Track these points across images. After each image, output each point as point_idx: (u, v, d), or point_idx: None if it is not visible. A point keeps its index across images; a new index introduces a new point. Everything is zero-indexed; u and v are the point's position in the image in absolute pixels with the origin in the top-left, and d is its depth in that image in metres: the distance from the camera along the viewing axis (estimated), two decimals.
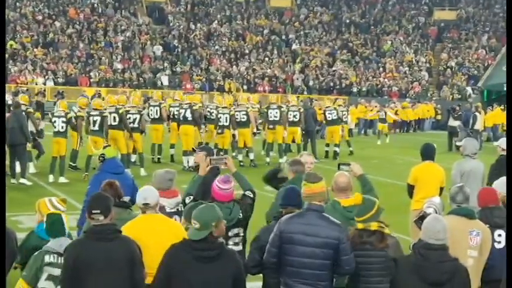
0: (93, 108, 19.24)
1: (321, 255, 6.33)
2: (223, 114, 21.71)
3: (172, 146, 22.40)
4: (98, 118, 18.89)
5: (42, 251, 6.38)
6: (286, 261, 6.42)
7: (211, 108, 23.04)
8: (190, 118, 21.21)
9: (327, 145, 24.96)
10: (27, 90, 38.29)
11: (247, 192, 7.93)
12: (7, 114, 18.12)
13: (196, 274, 5.80)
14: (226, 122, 21.62)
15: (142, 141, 20.55)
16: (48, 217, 6.66)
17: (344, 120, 26.34)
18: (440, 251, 6.02)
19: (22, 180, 17.67)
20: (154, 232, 6.62)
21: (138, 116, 20.38)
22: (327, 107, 25.38)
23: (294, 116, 23.09)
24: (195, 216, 5.95)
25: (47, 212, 7.01)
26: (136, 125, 20.22)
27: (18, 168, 17.91)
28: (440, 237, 6.04)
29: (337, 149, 24.58)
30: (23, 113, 18.36)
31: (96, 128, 18.86)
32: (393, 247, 6.51)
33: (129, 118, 20.12)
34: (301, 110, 23.44)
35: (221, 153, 18.68)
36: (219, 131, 21.63)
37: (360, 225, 6.52)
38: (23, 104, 18.79)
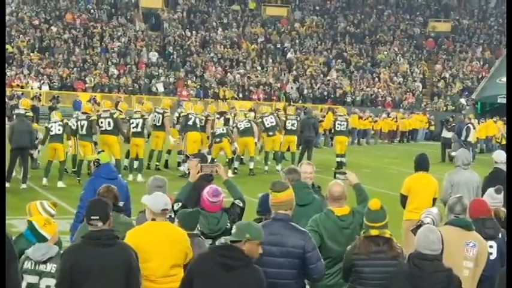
0: (82, 112, 19.34)
1: (287, 264, 6.32)
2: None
3: (168, 152, 22.42)
4: (85, 122, 18.96)
5: (23, 257, 6.33)
6: None
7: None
8: (199, 126, 21.13)
9: (337, 155, 24.70)
10: (22, 94, 38.37)
11: (237, 201, 7.92)
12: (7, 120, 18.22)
13: (213, 280, 5.80)
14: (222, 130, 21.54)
15: (144, 146, 20.64)
16: (27, 223, 6.65)
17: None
18: (435, 261, 6.07)
19: (24, 186, 17.72)
20: (165, 239, 6.59)
21: (141, 121, 20.40)
22: (338, 116, 25.33)
23: (292, 125, 23.18)
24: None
25: (37, 216, 7.01)
26: (139, 129, 20.27)
27: (14, 173, 18.02)
28: (434, 247, 6.10)
29: (343, 159, 24.47)
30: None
31: (84, 132, 18.93)
32: (403, 256, 6.53)
33: (132, 123, 20.18)
34: (298, 119, 23.50)
35: (215, 160, 18.69)
36: (217, 139, 21.42)
37: (374, 232, 6.50)
38: (23, 109, 18.83)
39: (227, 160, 21.30)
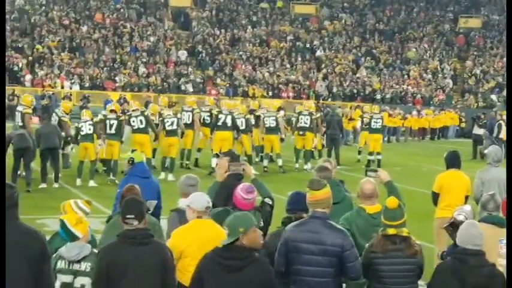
0: (110, 111, 19.42)
1: (325, 263, 6.28)
2: (239, 119, 21.51)
3: (199, 150, 22.48)
4: (115, 122, 19.07)
5: (56, 255, 6.34)
6: (292, 270, 6.36)
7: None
8: (230, 125, 21.03)
9: (370, 153, 24.57)
10: (53, 94, 38.72)
11: (267, 200, 7.93)
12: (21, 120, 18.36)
13: (218, 282, 5.85)
14: (242, 126, 21.47)
15: (178, 146, 20.71)
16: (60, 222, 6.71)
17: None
18: (478, 256, 6.10)
19: (56, 185, 17.91)
20: (213, 236, 6.62)
21: (175, 119, 20.52)
22: (374, 114, 25.13)
23: (305, 122, 23.04)
24: (225, 223, 6.02)
25: (71, 214, 7.05)
26: (175, 127, 20.35)
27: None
28: (478, 242, 6.12)
29: (379, 157, 24.32)
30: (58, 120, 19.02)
31: (113, 131, 19.03)
32: (421, 254, 6.54)
33: (167, 122, 20.27)
34: (314, 115, 23.25)
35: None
36: (235, 136, 21.32)
37: (392, 230, 6.49)
38: (62, 111, 19.39)
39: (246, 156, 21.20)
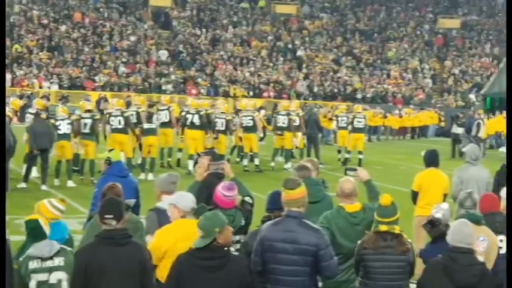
0: (86, 111, 19.23)
1: (300, 262, 6.29)
2: (220, 119, 21.45)
3: (180, 150, 22.44)
4: (89, 121, 18.82)
5: (25, 257, 6.31)
6: (268, 269, 6.37)
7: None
8: (198, 123, 21.05)
9: (349, 152, 24.72)
10: (31, 94, 38.45)
11: (247, 198, 7.93)
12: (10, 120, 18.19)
13: (202, 284, 5.85)
14: (222, 127, 21.42)
15: (157, 145, 20.67)
16: (26, 224, 6.59)
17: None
18: (469, 255, 6.17)
19: (44, 187, 17.67)
20: (195, 236, 6.59)
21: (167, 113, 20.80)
22: (356, 114, 25.06)
23: (294, 121, 23.07)
24: (199, 225, 6.00)
25: (47, 214, 7.05)
26: (153, 126, 20.34)
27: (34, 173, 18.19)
28: (469, 241, 6.19)
29: (361, 156, 24.31)
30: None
31: (87, 130, 18.78)
32: (412, 252, 6.62)
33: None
34: (300, 114, 23.38)
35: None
36: (215, 136, 21.24)
37: (383, 227, 6.55)
38: (37, 109, 18.79)
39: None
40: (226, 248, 5.99)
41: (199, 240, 5.91)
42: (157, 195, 8.09)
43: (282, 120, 22.76)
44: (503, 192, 8.28)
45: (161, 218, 7.38)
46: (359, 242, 6.75)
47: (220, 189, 7.52)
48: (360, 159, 24.12)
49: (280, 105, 26.10)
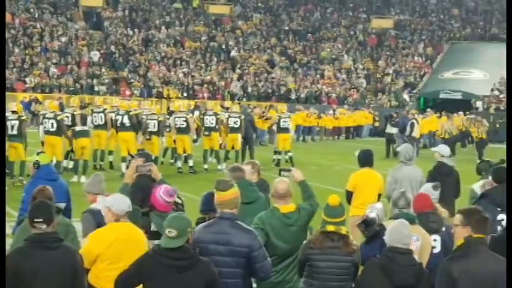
0: (12, 112, 18.76)
1: (233, 264, 6.28)
2: (152, 120, 21.40)
3: (110, 153, 22.18)
4: (16, 122, 18.40)
5: None
6: None
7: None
8: (128, 124, 20.97)
9: (279, 153, 24.90)
10: None
11: (176, 199, 7.89)
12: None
13: (168, 284, 5.80)
14: (154, 128, 21.35)
15: (90, 147, 20.48)
16: None
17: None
18: (408, 255, 6.19)
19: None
20: (132, 240, 6.64)
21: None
22: (282, 114, 25.42)
23: (235, 123, 23.06)
24: (171, 225, 5.88)
25: None
26: (86, 128, 20.12)
27: None
28: (407, 241, 6.21)
29: (290, 154, 24.63)
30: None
31: (15, 132, 18.36)
32: (357, 253, 6.64)
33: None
34: (242, 117, 23.43)
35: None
36: (147, 137, 21.23)
37: (330, 227, 6.56)
38: (13, 112, 18.58)
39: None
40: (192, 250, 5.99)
41: (171, 240, 5.81)
42: (90, 199, 8.03)
43: (209, 121, 22.75)
44: (425, 188, 8.43)
45: (97, 218, 7.34)
46: (305, 241, 6.77)
47: (162, 194, 7.53)
48: (290, 158, 24.42)
49: (208, 105, 26.03)
